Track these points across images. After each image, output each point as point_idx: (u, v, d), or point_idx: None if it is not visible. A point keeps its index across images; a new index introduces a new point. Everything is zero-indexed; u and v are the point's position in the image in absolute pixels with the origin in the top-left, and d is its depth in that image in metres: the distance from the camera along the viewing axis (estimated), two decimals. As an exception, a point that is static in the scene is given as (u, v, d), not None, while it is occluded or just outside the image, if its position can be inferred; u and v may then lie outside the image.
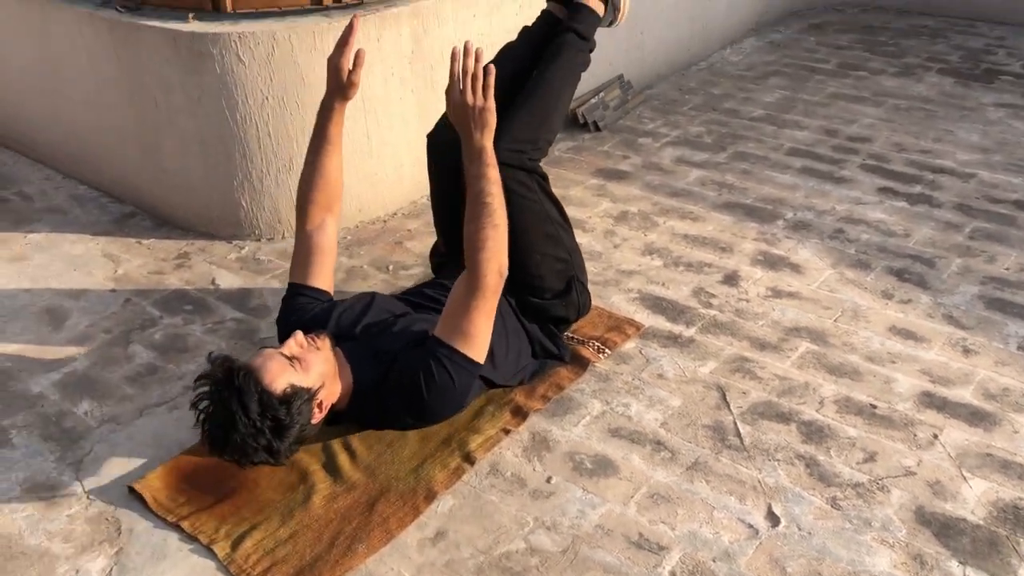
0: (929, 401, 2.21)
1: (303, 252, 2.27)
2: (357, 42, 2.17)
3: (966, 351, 2.38)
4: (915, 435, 2.10)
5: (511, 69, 2.33)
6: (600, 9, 2.43)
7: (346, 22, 2.77)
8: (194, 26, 2.74)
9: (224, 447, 1.90)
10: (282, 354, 1.95)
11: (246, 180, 2.92)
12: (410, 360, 2.02)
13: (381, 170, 3.08)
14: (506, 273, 2.01)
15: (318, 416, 1.99)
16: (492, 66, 2.00)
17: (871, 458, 2.04)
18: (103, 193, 3.38)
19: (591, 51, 2.44)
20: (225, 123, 2.82)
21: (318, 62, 2.78)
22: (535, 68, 2.36)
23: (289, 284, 2.28)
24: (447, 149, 2.36)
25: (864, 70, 4.34)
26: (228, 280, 2.82)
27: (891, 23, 4.98)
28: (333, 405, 2.04)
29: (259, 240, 3.02)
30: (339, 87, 2.18)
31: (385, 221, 3.13)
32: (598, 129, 3.76)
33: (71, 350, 2.51)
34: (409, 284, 2.72)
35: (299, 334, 2.01)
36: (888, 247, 2.86)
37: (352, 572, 1.80)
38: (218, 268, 2.88)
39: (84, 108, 3.23)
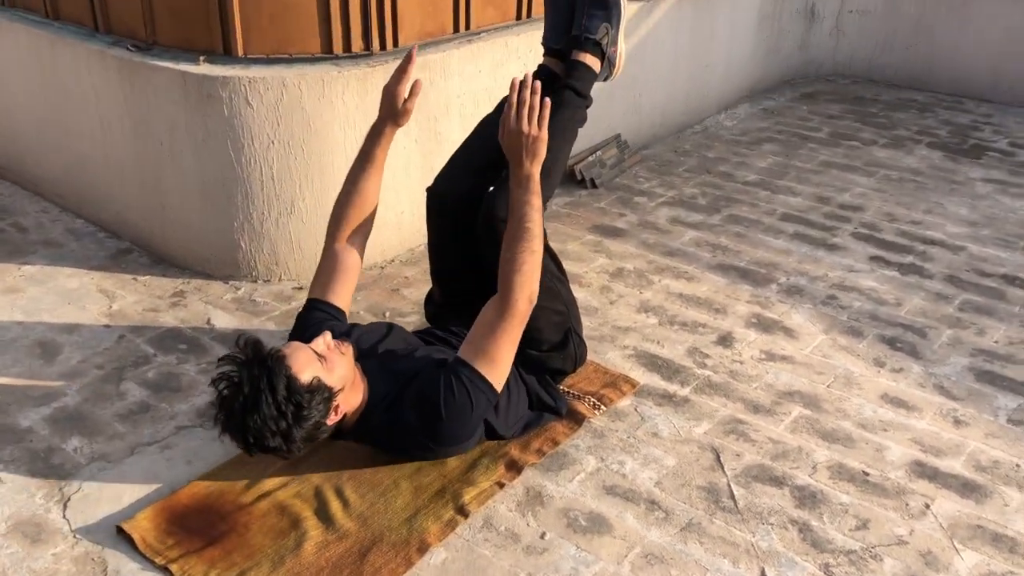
0: (921, 470, 2.22)
1: (328, 268, 2.29)
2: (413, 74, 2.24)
3: (957, 422, 2.40)
4: (907, 504, 2.11)
5: None
6: (596, 65, 2.46)
7: (355, 72, 2.84)
8: (204, 68, 2.77)
9: (243, 428, 1.87)
10: (312, 348, 1.96)
11: (246, 222, 2.93)
12: (432, 377, 2.03)
13: (381, 216, 3.06)
14: (535, 302, 2.05)
15: (333, 418, 1.98)
16: (548, 99, 2.06)
17: (864, 525, 2.04)
18: (100, 228, 3.38)
19: (588, 107, 2.49)
20: (229, 165, 2.84)
21: (325, 109, 2.82)
22: None
23: (308, 299, 2.29)
24: (446, 201, 2.40)
25: (856, 140, 4.43)
26: (223, 320, 2.81)
27: (881, 95, 5.10)
28: (344, 416, 2.04)
29: (256, 282, 3.02)
30: (392, 113, 2.25)
31: (383, 268, 3.14)
32: (595, 186, 3.81)
33: (62, 385, 2.49)
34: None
35: (328, 334, 2.03)
36: (880, 315, 2.89)
37: (342, 623, 1.77)
38: (213, 308, 2.87)
39: (86, 143, 3.24)
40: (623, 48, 2.52)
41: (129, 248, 3.24)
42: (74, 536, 1.98)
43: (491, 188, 2.30)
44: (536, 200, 2.08)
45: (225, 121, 2.78)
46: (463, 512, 2.05)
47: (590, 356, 2.60)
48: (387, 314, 2.85)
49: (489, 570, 1.91)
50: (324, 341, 2.00)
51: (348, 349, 2.05)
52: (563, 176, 3.77)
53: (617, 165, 3.97)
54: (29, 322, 2.78)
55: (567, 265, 3.12)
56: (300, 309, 2.30)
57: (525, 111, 2.06)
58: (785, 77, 5.30)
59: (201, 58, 2.82)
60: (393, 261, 3.18)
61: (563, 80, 2.43)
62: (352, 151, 2.79)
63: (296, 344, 1.98)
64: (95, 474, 2.16)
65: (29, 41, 3.29)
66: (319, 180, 2.90)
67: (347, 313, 2.30)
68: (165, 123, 2.88)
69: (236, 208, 2.91)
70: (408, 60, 2.22)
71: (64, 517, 2.03)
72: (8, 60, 3.46)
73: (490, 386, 2.03)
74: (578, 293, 2.96)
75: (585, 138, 3.88)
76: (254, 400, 1.85)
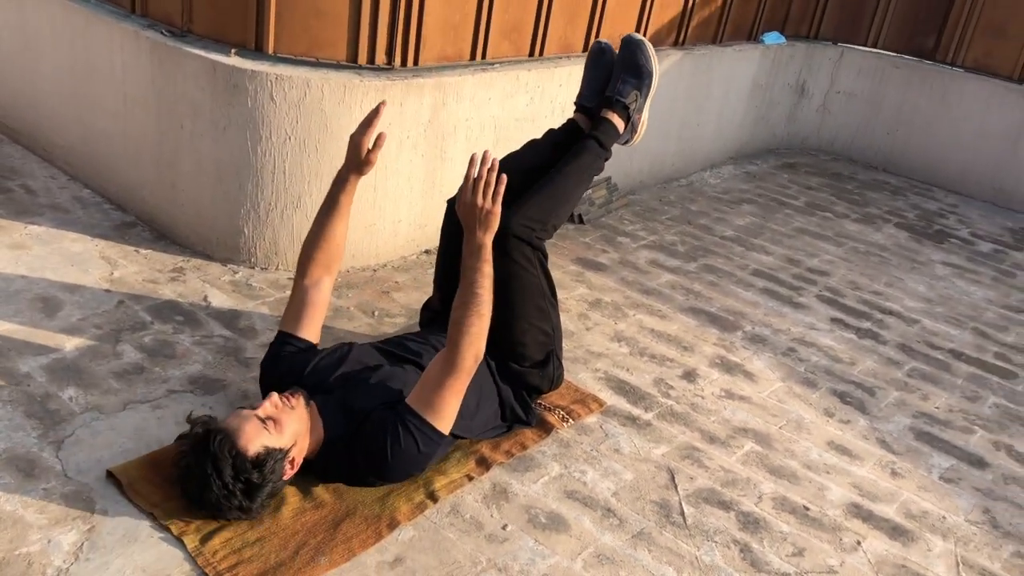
0: (856, 511, 2.40)
1: (297, 304, 2.39)
2: (381, 125, 2.35)
3: (894, 473, 2.59)
4: (841, 539, 2.29)
5: (532, 160, 2.61)
6: (621, 126, 2.69)
7: (375, 83, 3.02)
8: (235, 61, 2.93)
9: (200, 504, 1.99)
10: (257, 416, 2.02)
11: (253, 210, 3.07)
12: (381, 423, 2.12)
13: (380, 222, 3.26)
14: (481, 359, 2.15)
15: (289, 472, 2.07)
16: (504, 176, 2.19)
17: (799, 553, 2.22)
18: (106, 200, 3.51)
19: (606, 160, 2.69)
20: (245, 154, 2.99)
21: (343, 114, 2.99)
22: (556, 162, 2.59)
23: (279, 332, 2.38)
24: None
25: (829, 212, 4.68)
26: (219, 300, 2.94)
27: (857, 174, 5.38)
28: (305, 457, 2.13)
29: (253, 268, 3.16)
30: (356, 162, 2.35)
31: (375, 270, 3.29)
32: (582, 222, 4.01)
33: (61, 339, 2.60)
34: (391, 331, 2.87)
35: (274, 395, 2.09)
36: (834, 371, 3.10)
37: (313, 581, 1.90)
38: (211, 287, 3.01)
39: (107, 118, 3.38)
40: (647, 118, 2.75)
41: (134, 222, 3.37)
42: (65, 475, 2.09)
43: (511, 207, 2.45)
44: (487, 268, 2.19)
45: (248, 112, 2.94)
46: (433, 497, 2.19)
47: (564, 374, 2.76)
48: (375, 313, 3.00)
49: (452, 551, 2.05)
50: (271, 403, 2.07)
51: (298, 400, 2.12)
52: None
53: (605, 205, 4.17)
54: (33, 277, 2.90)
55: (550, 289, 3.30)
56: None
57: (481, 185, 2.19)
58: (771, 145, 5.57)
59: (233, 50, 2.98)
60: (385, 266, 3.33)
61: (589, 131, 2.65)
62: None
63: (243, 414, 2.03)
64: (88, 423, 2.27)
65: (64, 15, 3.44)
66: (327, 180, 3.01)
67: (317, 341, 2.39)
68: (190, 107, 3.04)
69: (245, 196, 3.06)
70: (375, 114, 2.32)
71: (57, 457, 2.14)
72: (41, 31, 3.59)
73: (436, 431, 2.13)
74: (557, 316, 3.14)
75: (578, 176, 4.08)
76: (204, 483, 1.95)
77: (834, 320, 3.48)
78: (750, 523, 2.29)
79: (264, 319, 2.86)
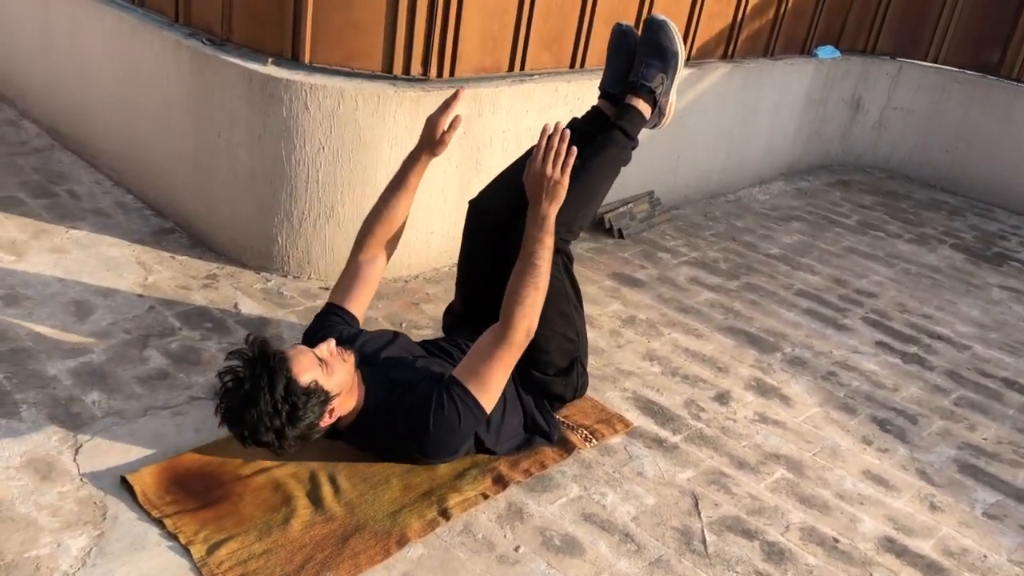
0: (890, 546, 2.29)
1: (349, 277, 2.44)
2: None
3: (933, 507, 2.47)
4: (871, 574, 2.18)
5: None
6: (647, 111, 2.60)
7: (410, 94, 3.00)
8: (271, 70, 2.94)
9: (240, 421, 1.99)
10: (314, 353, 2.08)
11: (286, 219, 3.08)
12: (425, 390, 2.14)
13: (412, 234, 3.23)
14: (532, 336, 2.17)
15: (327, 421, 2.09)
16: (575, 148, 2.19)
17: (825, 588, 2.12)
18: (148, 206, 3.56)
19: (633, 149, 2.62)
20: (279, 163, 3.00)
21: (377, 124, 2.98)
22: (579, 157, 2.53)
23: (327, 303, 2.45)
24: (487, 215, 2.53)
25: (882, 231, 4.53)
26: (249, 307, 2.95)
27: (914, 193, 5.21)
28: (339, 419, 2.15)
29: (286, 276, 3.16)
30: (430, 143, 2.40)
31: (407, 281, 3.27)
32: (622, 237, 3.94)
33: (90, 342, 2.63)
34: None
35: (332, 341, 2.15)
36: (875, 397, 2.98)
37: (316, 596, 1.87)
38: (242, 295, 3.02)
39: (150, 124, 3.43)
40: (675, 100, 2.66)
41: (172, 228, 3.41)
42: (81, 479, 2.10)
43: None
44: (548, 239, 2.20)
45: (282, 121, 2.95)
46: (446, 515, 2.15)
47: (590, 392, 2.70)
48: (403, 325, 2.97)
49: (461, 572, 2.00)
50: (328, 347, 2.12)
51: (350, 357, 2.16)
52: (592, 223, 3.91)
53: (647, 220, 4.10)
54: (69, 280, 2.94)
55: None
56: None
57: (552, 155, 2.19)
58: (824, 162, 5.43)
59: (269, 60, 3.00)
60: (417, 277, 3.31)
61: (613, 120, 2.57)
62: (396, 168, 2.95)
63: (300, 348, 2.11)
64: (108, 427, 2.29)
65: (114, 23, 3.50)
66: (360, 190, 3.05)
67: (361, 320, 2.45)
68: (226, 116, 3.06)
69: (279, 205, 3.07)
70: (454, 97, 2.37)
71: (74, 461, 2.15)
72: (92, 38, 3.67)
73: (480, 407, 2.14)
74: (589, 332, 3.07)
75: (619, 189, 4.01)
76: (253, 396, 1.97)
77: (879, 344, 3.35)
78: (774, 554, 2.20)
79: (292, 328, 2.85)
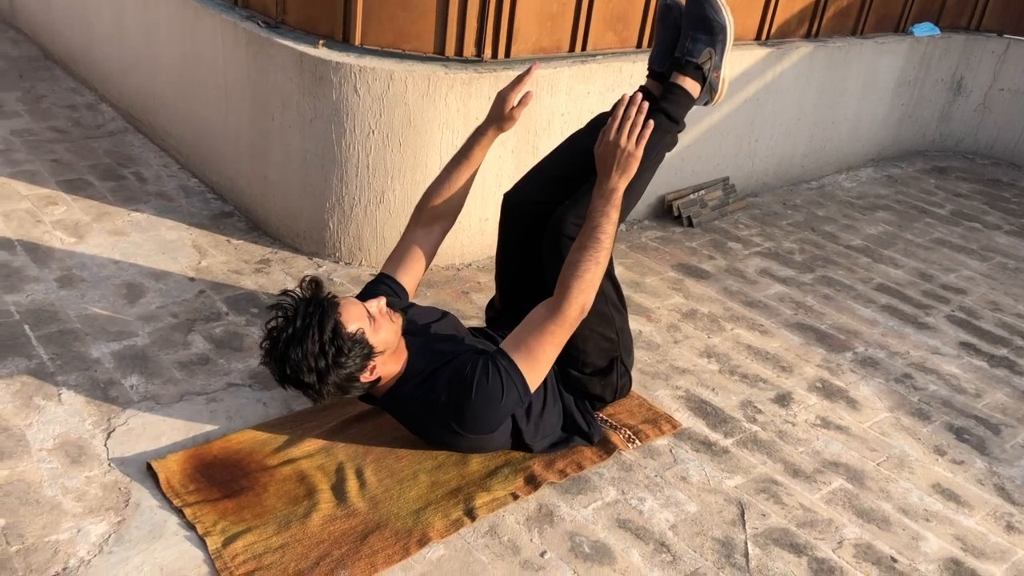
0: (956, 569, 2.10)
1: (404, 248, 2.40)
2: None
3: (1010, 527, 2.26)
4: (931, 600, 2.00)
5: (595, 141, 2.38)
6: (695, 90, 2.43)
7: (462, 75, 2.91)
8: (322, 52, 2.90)
9: (283, 357, 1.95)
10: (364, 306, 2.04)
11: (338, 204, 3.04)
12: (470, 360, 2.07)
13: (466, 220, 3.15)
14: (585, 314, 2.07)
15: (367, 377, 2.04)
16: (651, 122, 2.09)
17: (877, 612, 1.95)
18: (210, 189, 3.58)
19: (679, 132, 2.46)
20: (330, 147, 2.96)
21: (428, 107, 2.90)
22: None
23: (380, 272, 2.41)
24: (521, 209, 2.43)
25: (978, 222, 4.22)
26: (298, 293, 2.92)
27: (1019, 181, 4.84)
28: (379, 380, 2.09)
29: (337, 262, 3.13)
30: (499, 117, 2.33)
31: (459, 269, 3.20)
32: (691, 225, 3.77)
33: (137, 325, 2.65)
34: (464, 334, 2.77)
35: (383, 299, 2.10)
36: (954, 403, 2.75)
37: (327, 596, 1.82)
38: (292, 280, 2.99)
39: (211, 108, 3.44)
40: (727, 74, 2.49)
41: (231, 212, 3.42)
42: (109, 464, 2.10)
43: (565, 203, 2.31)
44: (614, 214, 2.09)
45: (332, 105, 2.90)
46: (471, 515, 2.06)
47: (638, 390, 2.58)
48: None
49: (481, 575, 1.92)
50: (378, 304, 2.07)
51: (398, 319, 2.11)
52: (659, 210, 3.76)
53: (719, 208, 3.91)
54: (124, 263, 2.97)
55: (639, 299, 3.11)
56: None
57: (627, 126, 2.09)
58: (919, 147, 5.10)
59: (320, 42, 2.95)
60: (470, 265, 3.23)
61: (658, 102, 2.42)
62: (448, 152, 2.87)
63: (351, 299, 2.07)
64: (142, 412, 2.29)
65: (178, 8, 3.52)
66: (411, 175, 2.98)
67: (411, 295, 2.39)
68: (279, 99, 3.03)
69: (330, 190, 3.03)
70: (527, 72, 2.28)
71: (105, 445, 2.16)
72: (160, 24, 3.70)
73: (524, 383, 2.05)
74: (644, 327, 2.94)
75: (690, 175, 3.85)
76: (301, 334, 1.94)
77: (964, 345, 3.10)
78: (823, 572, 2.04)
79: (337, 315, 2.81)
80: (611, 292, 2.35)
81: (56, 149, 3.82)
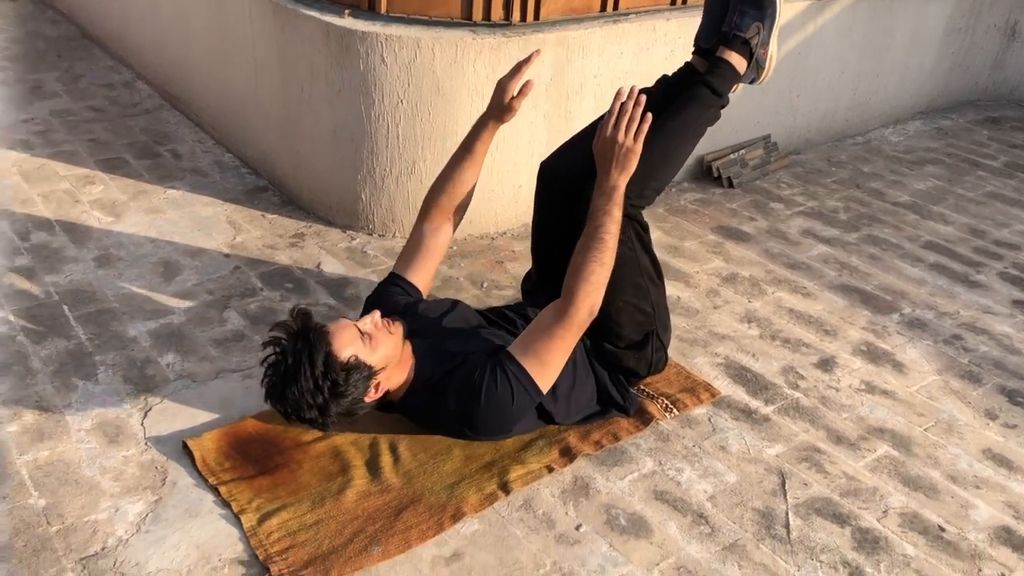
0: (1007, 537, 2.03)
1: (413, 247, 2.36)
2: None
3: (1064, 493, 2.18)
4: (980, 570, 1.94)
5: None
6: (742, 66, 2.36)
7: (490, 40, 2.85)
8: (347, 22, 2.86)
9: (281, 397, 1.96)
10: (356, 327, 2.01)
11: (369, 175, 3.01)
12: (478, 365, 2.04)
13: (499, 188, 3.11)
14: (596, 314, 2.02)
15: (372, 396, 2.03)
16: (650, 115, 2.03)
17: (924, 583, 1.90)
18: (244, 164, 3.58)
19: (723, 107, 2.39)
20: (359, 118, 2.93)
21: (456, 74, 2.85)
22: (661, 115, 2.33)
23: (390, 272, 2.38)
24: (558, 178, 2.38)
25: (1034, 174, 4.06)
26: (332, 266, 2.91)
27: (1079, 129, 4.64)
28: (388, 392, 2.08)
29: (371, 234, 3.11)
30: (499, 107, 2.27)
31: (493, 238, 3.16)
32: (731, 186, 3.68)
33: (174, 303, 2.66)
34: (498, 304, 2.73)
35: (376, 313, 2.07)
36: (1006, 364, 2.65)
37: (362, 572, 1.82)
38: (326, 254, 2.99)
39: (242, 83, 3.42)
40: (775, 50, 2.40)
41: (265, 187, 3.41)
42: (146, 443, 2.12)
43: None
44: (617, 212, 2.04)
45: (360, 75, 2.86)
46: (506, 489, 2.05)
47: (676, 358, 2.53)
48: (484, 285, 2.87)
49: (515, 550, 1.90)
50: (372, 320, 2.03)
51: (397, 328, 2.07)
52: (698, 172, 3.67)
53: (760, 167, 3.81)
54: (160, 240, 2.99)
55: (678, 264, 3.06)
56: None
57: (624, 121, 2.02)
58: (970, 97, 4.91)
59: (346, 11, 2.91)
60: (505, 234, 3.19)
61: (702, 75, 2.35)
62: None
63: (343, 322, 2.02)
64: (179, 390, 2.30)
65: (206, -19, 3.51)
66: (441, 144, 2.94)
67: (425, 291, 2.36)
68: (307, 71, 3.00)
69: (361, 161, 3.00)
70: (527, 60, 2.22)
71: (142, 424, 2.18)
72: (192, 1, 3.70)
73: (535, 386, 2.02)
74: (682, 292, 2.89)
75: (730, 134, 3.75)
76: (294, 372, 1.92)
77: (1017, 303, 2.99)
78: (867, 542, 1.98)
79: (371, 288, 2.77)
80: (647, 264, 2.29)
81: (94, 128, 3.85)
